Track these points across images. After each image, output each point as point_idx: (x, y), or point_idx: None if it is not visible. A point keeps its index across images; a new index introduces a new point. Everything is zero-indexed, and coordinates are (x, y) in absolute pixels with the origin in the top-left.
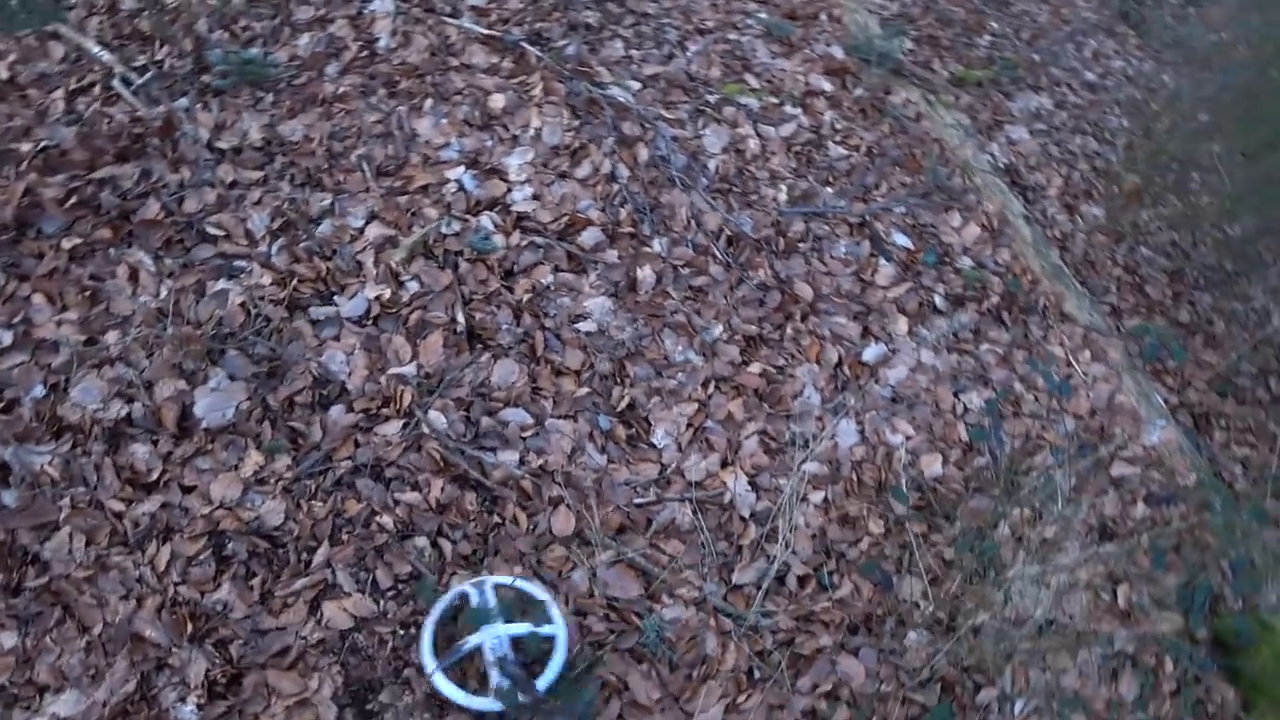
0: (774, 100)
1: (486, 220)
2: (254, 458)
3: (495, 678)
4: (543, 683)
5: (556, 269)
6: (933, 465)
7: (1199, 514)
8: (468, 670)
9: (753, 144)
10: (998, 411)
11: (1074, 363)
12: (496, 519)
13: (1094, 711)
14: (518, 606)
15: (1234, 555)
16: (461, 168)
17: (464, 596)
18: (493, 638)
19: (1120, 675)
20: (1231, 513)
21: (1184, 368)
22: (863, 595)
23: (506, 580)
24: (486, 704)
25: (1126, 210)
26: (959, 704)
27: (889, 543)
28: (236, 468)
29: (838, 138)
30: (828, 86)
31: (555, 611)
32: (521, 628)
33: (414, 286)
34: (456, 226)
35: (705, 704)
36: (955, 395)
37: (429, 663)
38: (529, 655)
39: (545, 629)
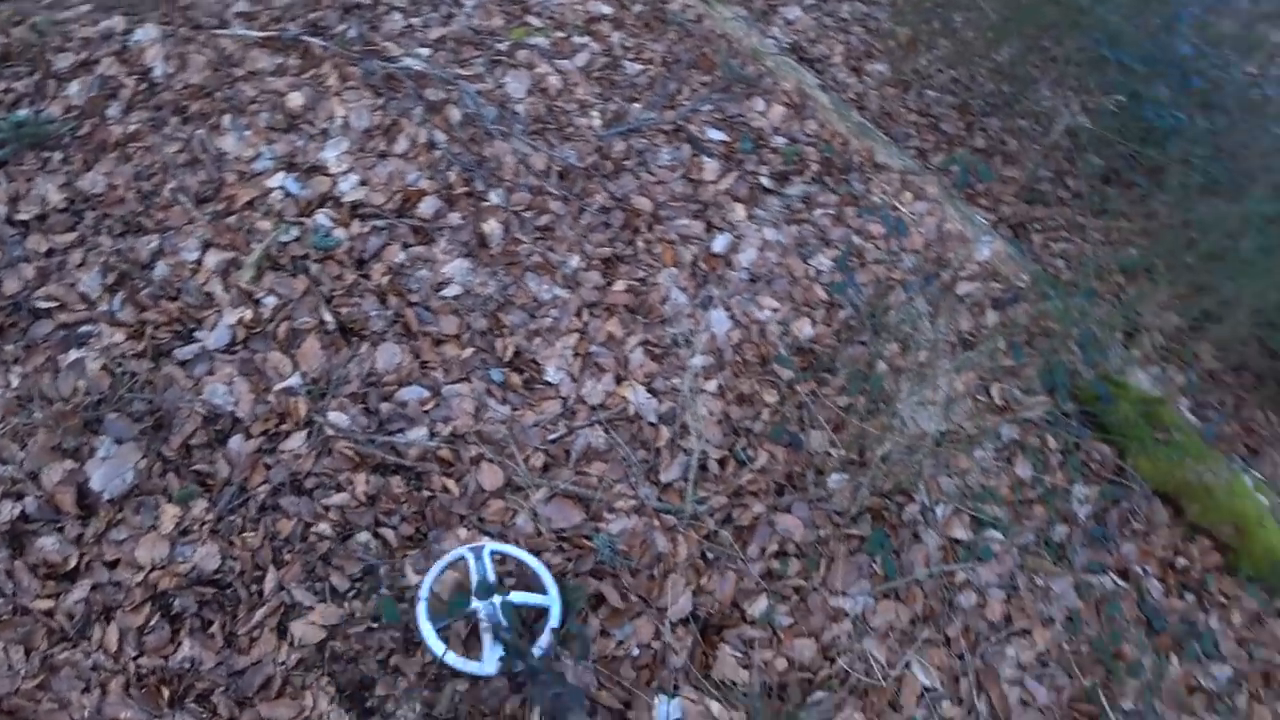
0: (561, 34)
1: (322, 218)
2: (170, 512)
3: (489, 643)
4: (537, 649)
5: (405, 245)
6: (804, 329)
7: (1039, 306)
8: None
9: (554, 80)
10: (847, 265)
11: (899, 206)
12: (427, 493)
13: (1001, 497)
14: (512, 574)
15: (1077, 333)
16: (280, 174)
17: (460, 560)
18: (487, 604)
19: (1014, 461)
20: (1066, 299)
21: (992, 187)
22: (779, 459)
23: (503, 548)
24: (478, 668)
25: (906, 60)
26: (889, 526)
27: (787, 407)
28: (155, 527)
29: (630, 55)
30: (607, 9)
31: (550, 582)
32: (518, 596)
33: (272, 301)
34: (294, 232)
35: (674, 595)
36: (805, 261)
37: (424, 625)
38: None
39: (538, 599)
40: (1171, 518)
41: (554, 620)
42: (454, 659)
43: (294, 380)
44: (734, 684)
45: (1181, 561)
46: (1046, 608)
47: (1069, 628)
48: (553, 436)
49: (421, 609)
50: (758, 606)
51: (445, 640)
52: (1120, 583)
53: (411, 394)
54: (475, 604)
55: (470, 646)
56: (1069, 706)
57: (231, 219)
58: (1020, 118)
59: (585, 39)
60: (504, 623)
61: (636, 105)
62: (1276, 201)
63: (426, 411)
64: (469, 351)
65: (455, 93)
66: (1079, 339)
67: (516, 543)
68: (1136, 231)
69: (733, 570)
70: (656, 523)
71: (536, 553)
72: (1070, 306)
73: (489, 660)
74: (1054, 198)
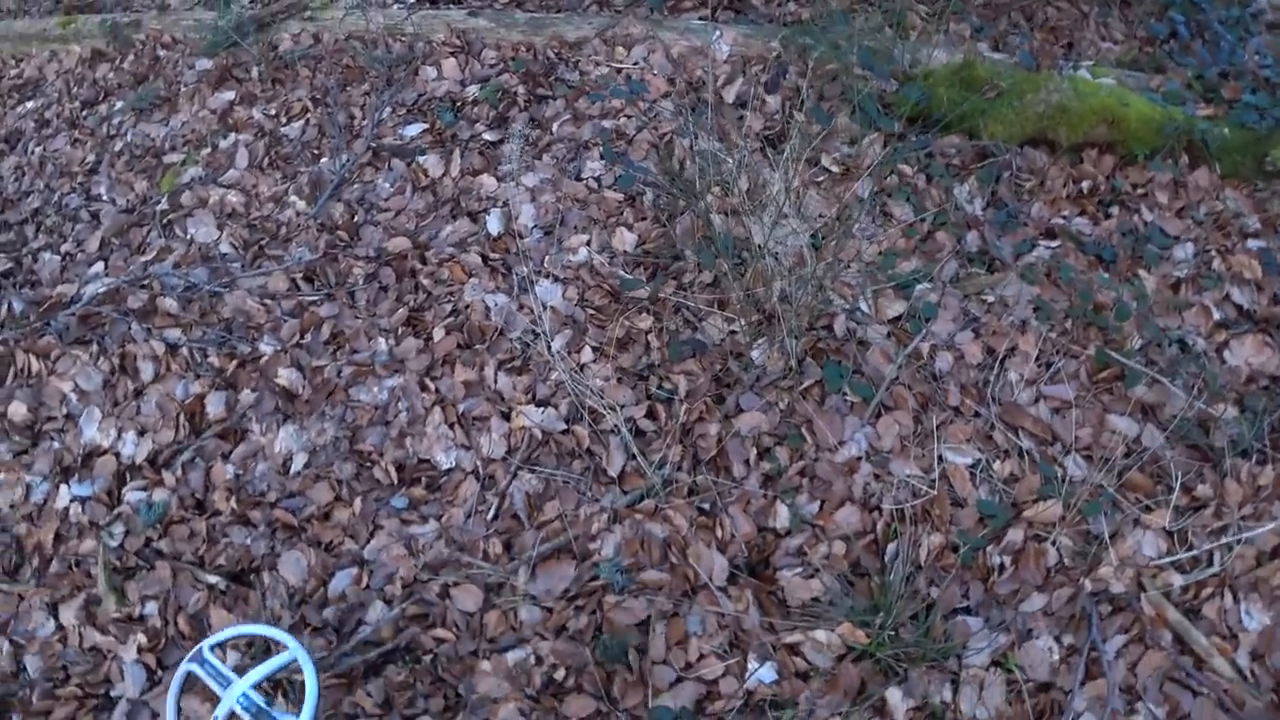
0: (207, 150)
1: (132, 494)
2: None
3: None
4: (307, 710)
5: (224, 456)
6: (625, 239)
7: (806, 61)
8: None
9: (233, 198)
10: (615, 155)
11: (620, 65)
12: (428, 658)
13: (903, 250)
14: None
15: (855, 59)
16: (61, 489)
17: (189, 675)
18: (238, 697)
19: (890, 210)
20: (820, 37)
21: None
22: (698, 371)
23: (221, 637)
24: None
25: None
26: (834, 353)
27: (666, 321)
28: None
29: (282, 119)
30: (229, 94)
31: (283, 635)
32: (259, 671)
33: (152, 607)
34: (119, 529)
35: (705, 565)
36: (578, 179)
37: None
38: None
39: (282, 658)
40: (1050, 156)
41: (308, 667)
42: None
43: (233, 658)
44: (815, 600)
45: (1085, 185)
46: (1012, 315)
47: (1041, 317)
48: (490, 514)
49: None
50: (781, 517)
51: None
52: (1052, 245)
53: (341, 582)
54: (228, 704)
55: None
56: (1094, 384)
57: (54, 566)
58: None
59: (231, 137)
60: (261, 704)
61: (324, 160)
62: None
63: (367, 586)
64: (358, 503)
65: (153, 282)
66: (860, 63)
67: (540, 634)
68: None
69: (736, 503)
70: (639, 516)
71: (563, 629)
72: (830, 39)
73: None
74: None
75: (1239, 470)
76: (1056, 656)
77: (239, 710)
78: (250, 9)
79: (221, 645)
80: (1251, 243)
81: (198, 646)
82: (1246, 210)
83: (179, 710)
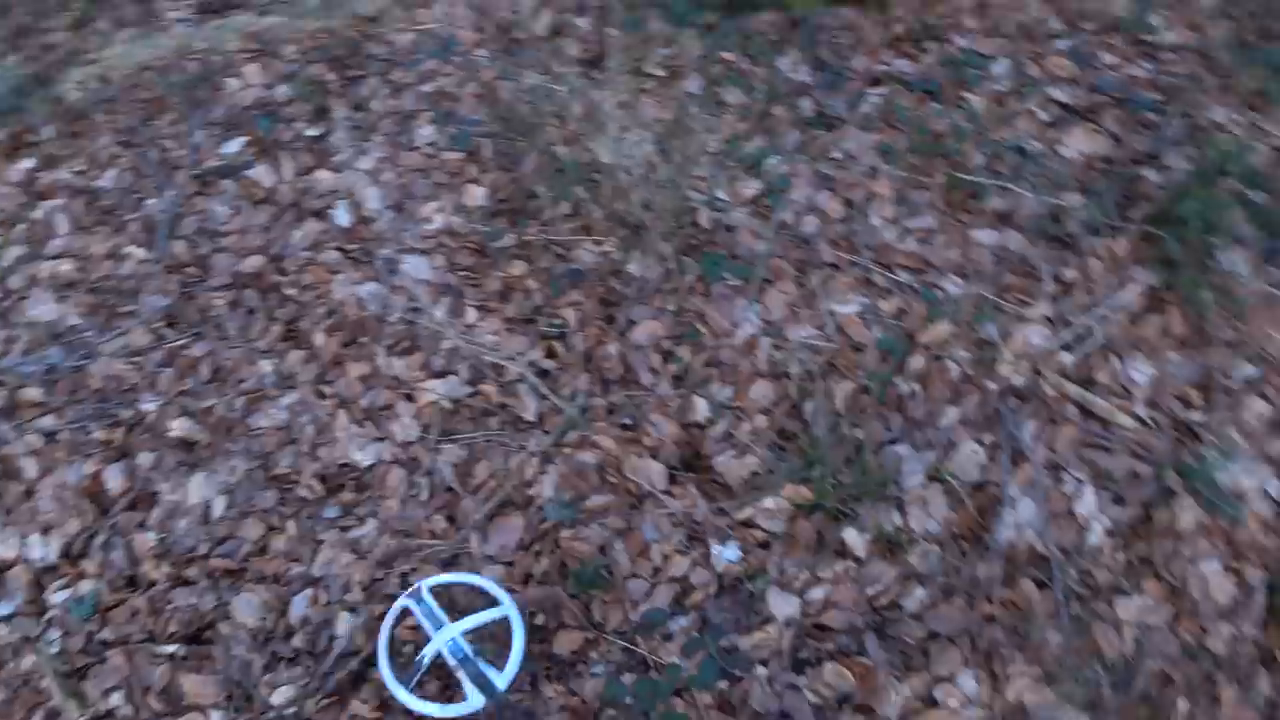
0: (21, 227)
1: (56, 596)
2: None
3: (464, 680)
4: (510, 669)
5: (141, 525)
6: (477, 195)
7: None
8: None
9: (65, 267)
10: (447, 116)
11: (413, 29)
12: None
13: (745, 133)
14: (462, 600)
15: None
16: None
17: (405, 610)
18: (447, 641)
19: (723, 99)
20: None
21: None
22: (582, 299)
23: (439, 580)
24: (463, 709)
25: None
26: (706, 245)
27: (537, 261)
28: None
29: (96, 170)
30: (28, 163)
31: (498, 591)
32: (471, 620)
33: (116, 699)
34: (54, 635)
35: (644, 475)
36: (412, 149)
37: (394, 687)
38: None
39: (494, 612)
40: (859, 9)
41: (518, 629)
42: (433, 709)
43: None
44: (754, 474)
45: (899, 29)
46: (860, 165)
47: (891, 160)
48: (425, 494)
49: (388, 675)
50: (700, 410)
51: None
52: (881, 91)
53: (300, 607)
54: (436, 646)
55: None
56: (950, 207)
57: (1, 695)
58: None
59: (42, 206)
60: (468, 653)
61: (150, 201)
62: None
63: (327, 603)
64: (291, 526)
65: (7, 376)
66: None
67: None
68: None
69: (654, 410)
70: (568, 450)
71: (525, 578)
72: None
73: (473, 697)
74: None
75: (1096, 248)
76: (983, 456)
77: (446, 654)
78: (23, 68)
79: (433, 589)
80: (1059, 43)
81: (416, 585)
82: (1048, 14)
83: (391, 642)
